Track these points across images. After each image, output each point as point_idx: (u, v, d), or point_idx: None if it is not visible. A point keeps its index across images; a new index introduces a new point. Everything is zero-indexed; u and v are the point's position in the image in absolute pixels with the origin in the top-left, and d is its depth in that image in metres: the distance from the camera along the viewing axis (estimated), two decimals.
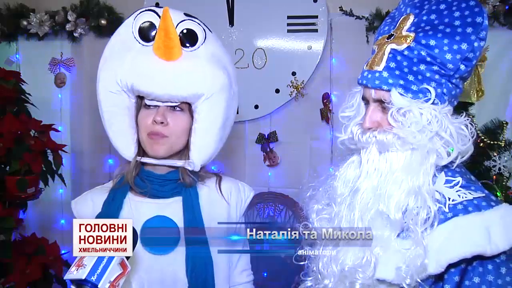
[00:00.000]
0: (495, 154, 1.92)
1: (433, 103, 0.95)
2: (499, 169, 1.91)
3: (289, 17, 2.55)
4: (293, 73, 2.58)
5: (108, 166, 2.80)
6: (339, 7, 2.51)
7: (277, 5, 2.55)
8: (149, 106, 1.11)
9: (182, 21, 1.12)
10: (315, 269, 1.05)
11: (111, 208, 1.14)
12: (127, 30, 1.12)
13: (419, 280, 0.90)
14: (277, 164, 2.67)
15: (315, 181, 1.20)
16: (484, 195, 0.96)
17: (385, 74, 0.97)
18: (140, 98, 1.12)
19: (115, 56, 1.10)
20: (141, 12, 1.13)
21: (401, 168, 0.96)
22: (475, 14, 0.93)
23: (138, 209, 1.15)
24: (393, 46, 0.98)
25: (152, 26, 1.10)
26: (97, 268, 0.80)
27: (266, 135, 2.66)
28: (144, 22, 1.11)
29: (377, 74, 0.98)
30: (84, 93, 2.79)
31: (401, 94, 0.95)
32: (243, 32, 2.60)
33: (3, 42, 2.77)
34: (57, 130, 2.25)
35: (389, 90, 0.96)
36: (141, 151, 1.17)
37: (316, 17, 2.53)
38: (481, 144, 1.91)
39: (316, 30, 2.54)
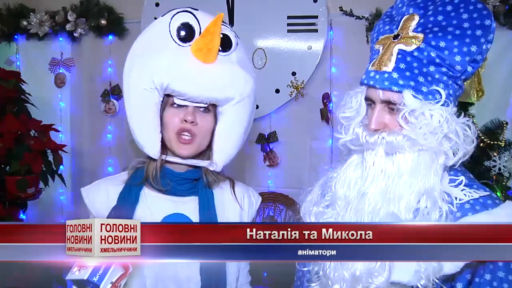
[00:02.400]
0: (495, 154, 1.92)
1: (442, 105, 0.95)
2: (499, 169, 1.91)
3: (289, 17, 2.55)
4: (293, 73, 2.58)
5: (108, 166, 2.81)
6: (339, 7, 2.50)
7: (277, 5, 2.55)
8: (177, 105, 1.11)
9: None
10: (321, 273, 1.03)
11: (127, 202, 1.14)
12: (164, 28, 1.13)
13: (437, 281, 0.90)
14: (277, 164, 2.67)
15: (313, 183, 1.19)
16: (488, 193, 0.97)
17: (395, 75, 0.95)
18: (167, 96, 1.12)
19: (150, 54, 1.11)
20: (178, 13, 1.15)
21: (409, 170, 0.96)
22: (483, 17, 0.93)
23: (155, 205, 1.16)
24: (401, 46, 0.96)
25: (189, 27, 1.12)
26: (99, 269, 0.80)
27: (266, 135, 2.66)
28: (183, 23, 1.12)
29: (386, 75, 0.96)
30: (84, 93, 2.80)
31: (413, 96, 0.94)
32: (243, 32, 2.58)
33: (3, 42, 2.78)
34: (57, 130, 2.25)
35: (399, 92, 0.95)
36: (165, 149, 1.16)
37: (316, 17, 2.52)
38: (481, 144, 1.91)
39: (316, 30, 2.54)
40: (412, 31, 0.97)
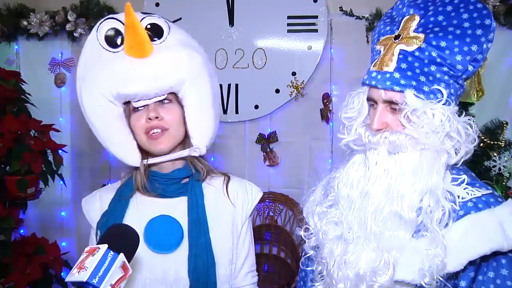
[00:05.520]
0: (495, 154, 1.92)
1: (444, 104, 0.95)
2: (499, 169, 1.91)
3: (289, 17, 2.56)
4: (293, 73, 2.58)
5: (108, 166, 2.80)
6: (339, 7, 2.51)
7: (277, 5, 2.55)
8: (138, 108, 1.11)
9: (143, 18, 1.13)
10: (324, 273, 1.03)
11: (117, 207, 1.16)
12: (93, 43, 1.12)
13: (441, 279, 0.91)
14: (277, 164, 2.67)
15: (315, 183, 1.20)
16: (491, 191, 0.98)
17: (396, 75, 0.96)
18: (126, 103, 1.12)
19: (91, 71, 1.11)
20: (101, 23, 1.13)
21: (412, 169, 0.96)
22: (483, 17, 0.94)
23: (144, 208, 1.16)
24: (402, 47, 0.97)
25: (116, 32, 1.11)
26: (98, 271, 0.80)
27: (266, 135, 2.66)
28: (108, 30, 1.11)
29: (387, 75, 0.97)
30: None
31: (415, 95, 0.95)
32: (243, 32, 2.61)
33: (3, 42, 2.78)
34: (57, 130, 2.25)
35: (401, 91, 0.95)
36: (144, 154, 1.17)
37: (316, 17, 2.53)
38: (481, 144, 1.91)
39: (316, 30, 2.54)
40: (413, 31, 0.98)
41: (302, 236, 1.12)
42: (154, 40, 1.11)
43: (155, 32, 1.12)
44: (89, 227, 1.22)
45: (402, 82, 0.95)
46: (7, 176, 2.02)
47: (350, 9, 2.49)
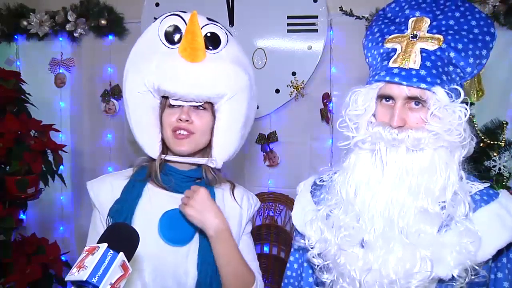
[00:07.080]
0: (495, 154, 1.92)
1: (461, 102, 0.98)
2: (499, 169, 1.91)
3: (289, 17, 2.55)
4: (293, 73, 2.58)
5: (108, 166, 2.81)
6: (339, 7, 2.50)
7: (277, 5, 2.55)
8: (173, 105, 1.15)
9: (206, 25, 1.18)
10: (343, 280, 1.00)
11: (130, 196, 1.18)
12: (153, 33, 1.17)
13: (477, 267, 0.93)
14: (277, 164, 2.67)
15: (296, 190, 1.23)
16: (488, 184, 1.04)
17: (422, 72, 0.97)
18: (164, 97, 1.16)
19: (142, 58, 1.15)
20: (167, 17, 1.18)
21: (430, 166, 0.97)
22: (489, 25, 1.00)
23: (157, 200, 1.19)
24: (423, 45, 0.99)
25: (177, 29, 1.16)
26: (98, 270, 0.80)
27: (266, 135, 2.66)
28: (170, 26, 1.16)
29: (413, 72, 0.97)
30: (84, 93, 2.80)
31: (446, 92, 0.96)
32: (243, 32, 2.60)
33: (3, 42, 2.78)
34: (57, 130, 2.25)
35: (427, 89, 0.96)
36: (165, 149, 1.20)
37: (316, 17, 2.52)
38: (481, 144, 1.91)
39: (316, 30, 2.54)
40: (427, 32, 1.00)
41: (306, 245, 1.09)
42: (209, 49, 1.15)
43: (212, 41, 1.17)
44: (88, 228, 1.22)
45: (429, 79, 0.96)
46: (7, 176, 2.03)
47: (350, 9, 2.49)
